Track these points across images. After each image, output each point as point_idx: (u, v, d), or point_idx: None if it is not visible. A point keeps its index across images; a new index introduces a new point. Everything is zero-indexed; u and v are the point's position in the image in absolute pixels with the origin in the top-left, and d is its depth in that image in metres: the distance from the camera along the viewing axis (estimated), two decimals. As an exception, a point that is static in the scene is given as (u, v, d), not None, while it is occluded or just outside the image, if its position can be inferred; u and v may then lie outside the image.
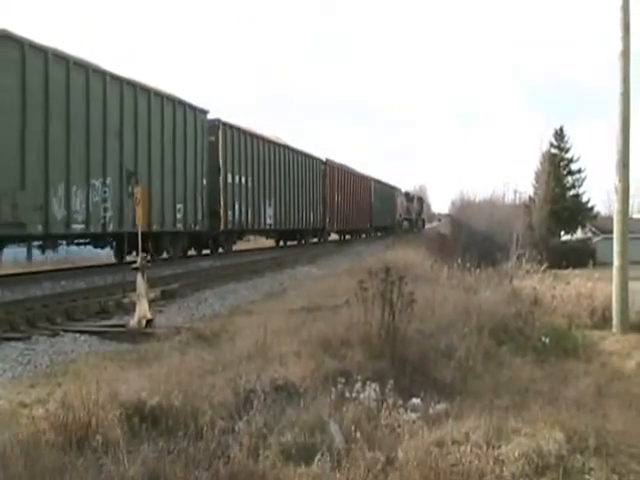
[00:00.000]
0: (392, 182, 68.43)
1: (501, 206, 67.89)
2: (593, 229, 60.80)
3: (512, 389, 8.42)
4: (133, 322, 10.84)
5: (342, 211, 46.32)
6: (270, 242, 39.06)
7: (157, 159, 21.99)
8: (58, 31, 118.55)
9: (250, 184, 30.04)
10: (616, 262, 14.88)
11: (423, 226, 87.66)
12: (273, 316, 11.92)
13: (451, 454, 5.49)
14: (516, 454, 5.44)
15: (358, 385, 6.98)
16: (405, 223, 72.71)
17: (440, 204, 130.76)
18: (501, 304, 13.66)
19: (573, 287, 18.69)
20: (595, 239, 56.95)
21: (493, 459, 5.37)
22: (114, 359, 8.83)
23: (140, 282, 10.87)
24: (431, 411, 6.74)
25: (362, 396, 6.71)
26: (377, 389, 6.91)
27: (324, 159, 43.37)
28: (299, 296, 15.40)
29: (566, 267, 32.93)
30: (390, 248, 32.52)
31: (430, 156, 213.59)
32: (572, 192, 61.64)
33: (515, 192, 70.45)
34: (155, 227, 21.69)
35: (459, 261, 19.74)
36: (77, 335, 10.89)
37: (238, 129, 29.11)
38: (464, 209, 73.96)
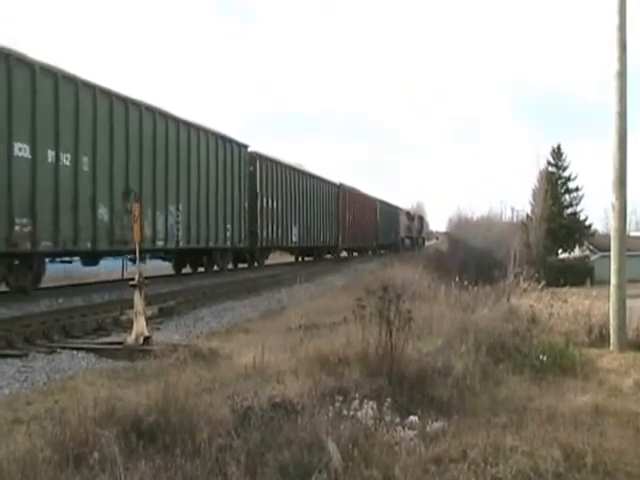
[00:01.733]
0: (390, 200, 70.01)
1: (498, 224, 67.91)
2: (591, 247, 60.87)
3: (509, 407, 8.40)
4: (130, 339, 10.83)
5: (352, 230, 51.48)
6: (283, 258, 43.28)
7: (213, 187, 27.39)
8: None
9: (280, 207, 35.52)
10: (613, 280, 14.88)
11: (423, 243, 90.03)
12: (270, 334, 11.95)
13: (448, 472, 5.49)
14: (513, 472, 5.44)
15: (355, 403, 6.97)
16: (407, 241, 75.80)
17: (437, 222, 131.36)
18: (498, 322, 13.65)
19: (570, 305, 18.66)
20: (593, 257, 57.05)
21: (491, 477, 5.37)
22: (111, 376, 8.83)
23: (137, 299, 10.87)
24: (428, 429, 6.73)
25: (359, 414, 6.70)
26: (374, 407, 6.90)
27: (338, 183, 49.12)
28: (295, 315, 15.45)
29: (564, 285, 32.98)
30: (388, 266, 32.64)
31: (426, 173, 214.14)
32: (570, 210, 61.83)
33: (512, 210, 70.43)
34: (211, 244, 27.08)
35: (457, 279, 19.74)
36: (74, 352, 10.91)
37: (271, 160, 34.83)
38: (461, 227, 74.10)
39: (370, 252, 60.82)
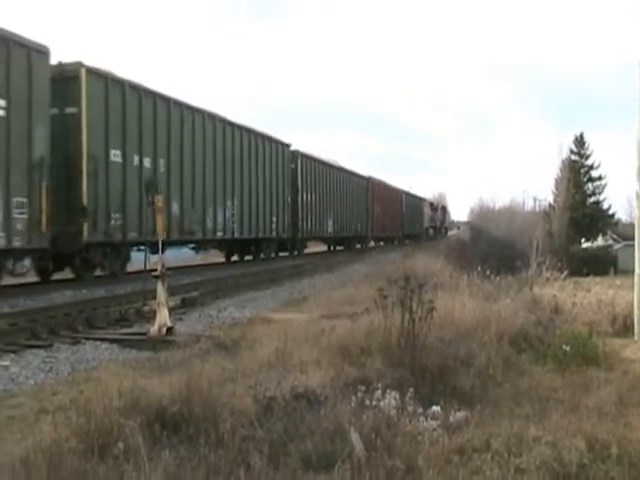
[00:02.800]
0: (413, 191, 71.24)
1: (520, 213, 67.68)
2: (614, 236, 60.39)
3: (533, 397, 8.36)
4: (153, 330, 10.89)
5: (380, 221, 54.61)
6: (318, 247, 46.36)
7: (261, 184, 31.28)
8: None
9: (317, 200, 39.26)
10: (637, 269, 14.76)
11: (446, 233, 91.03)
12: (292, 324, 11.97)
13: (472, 462, 5.47)
14: (537, 462, 5.40)
15: (378, 393, 6.96)
16: (430, 230, 77.34)
17: (458, 212, 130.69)
18: (521, 312, 13.55)
19: (594, 295, 18.53)
20: (616, 246, 56.55)
21: (514, 467, 5.34)
22: (134, 367, 8.88)
23: (160, 290, 10.92)
24: (451, 419, 6.71)
25: (382, 404, 6.70)
26: (397, 397, 6.89)
27: (367, 176, 52.44)
28: (316, 305, 15.50)
29: (587, 274, 32.77)
30: (410, 256, 32.60)
31: (449, 163, 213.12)
32: (592, 199, 61.33)
33: (534, 199, 70.20)
34: (260, 235, 31.08)
35: (478, 269, 19.64)
36: (98, 343, 10.99)
37: (310, 157, 38.51)
38: (483, 216, 74.04)
39: (396, 242, 62.72)
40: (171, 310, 11.46)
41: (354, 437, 5.56)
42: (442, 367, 8.53)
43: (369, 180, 52.18)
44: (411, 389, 7.14)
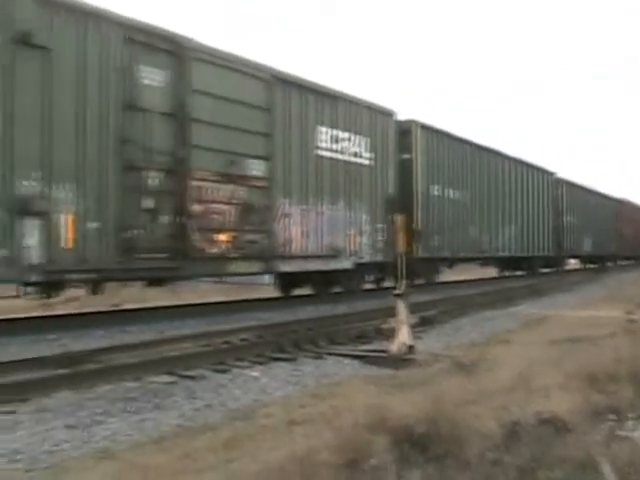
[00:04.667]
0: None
1: None
2: None
3: None
4: (394, 348, 11.06)
5: (628, 240, 57.33)
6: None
7: (531, 208, 36.76)
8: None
9: (576, 222, 44.35)
10: None
11: None
12: (532, 346, 11.67)
13: None
14: None
15: (629, 423, 6.63)
16: None
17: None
18: None
19: None
20: None
21: None
22: (376, 383, 9.06)
23: (402, 308, 11.10)
24: None
25: (635, 435, 6.37)
26: (653, 430, 6.51)
27: (619, 198, 57.60)
28: (556, 326, 14.98)
29: None
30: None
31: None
32: None
33: None
34: (530, 253, 36.53)
35: None
36: (339, 358, 11.33)
37: (570, 183, 44.03)
38: None
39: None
40: (411, 328, 11.58)
41: (606, 469, 5.34)
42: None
43: (621, 202, 57.07)
44: (667, 421, 6.73)
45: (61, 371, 9.38)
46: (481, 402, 7.51)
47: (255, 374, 9.96)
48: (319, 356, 11.45)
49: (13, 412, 7.48)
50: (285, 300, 20.65)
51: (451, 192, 27.54)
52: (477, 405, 7.26)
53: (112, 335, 13.34)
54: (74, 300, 18.69)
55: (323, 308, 17.95)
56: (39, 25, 12.75)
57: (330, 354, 11.62)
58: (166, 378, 9.51)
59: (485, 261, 34.09)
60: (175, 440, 6.47)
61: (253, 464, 5.38)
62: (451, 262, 29.76)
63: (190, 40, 15.92)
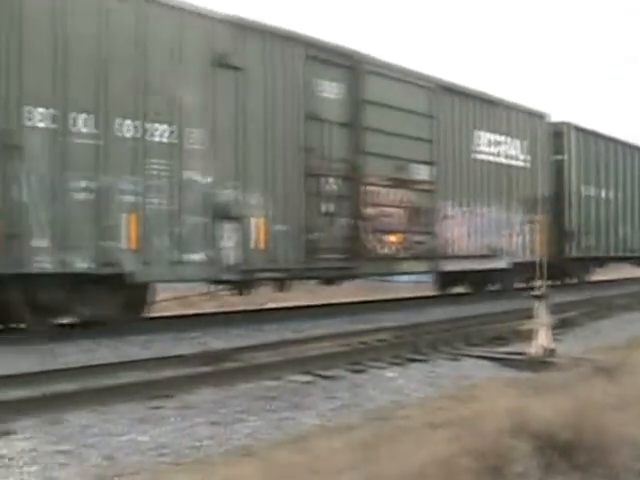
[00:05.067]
0: None
1: None
2: None
3: None
4: (532, 350, 10.81)
5: None
6: None
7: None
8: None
9: None
10: None
11: None
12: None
13: None
14: None
15: None
16: None
17: None
18: None
19: None
20: None
21: None
22: (516, 387, 8.85)
23: (541, 310, 10.84)
24: None
25: None
26: None
27: None
28: None
29: None
30: None
31: None
32: None
33: None
34: None
35: None
36: (475, 360, 11.18)
37: None
38: None
39: None
40: (550, 330, 11.27)
41: None
42: None
43: None
44: None
45: (203, 369, 9.70)
46: (625, 408, 7.22)
47: (391, 374, 9.97)
48: (455, 358, 11.33)
49: (160, 407, 7.79)
50: (417, 300, 20.72)
51: (601, 192, 27.81)
52: (621, 412, 6.98)
53: (250, 334, 13.65)
54: (217, 299, 19.30)
55: (460, 309, 17.77)
56: (234, 48, 14.16)
57: (466, 355, 11.48)
58: (304, 377, 9.65)
59: (636, 261, 33.46)
60: (314, 439, 6.54)
61: (392, 466, 5.37)
62: (602, 262, 29.90)
63: (364, 55, 17.27)
